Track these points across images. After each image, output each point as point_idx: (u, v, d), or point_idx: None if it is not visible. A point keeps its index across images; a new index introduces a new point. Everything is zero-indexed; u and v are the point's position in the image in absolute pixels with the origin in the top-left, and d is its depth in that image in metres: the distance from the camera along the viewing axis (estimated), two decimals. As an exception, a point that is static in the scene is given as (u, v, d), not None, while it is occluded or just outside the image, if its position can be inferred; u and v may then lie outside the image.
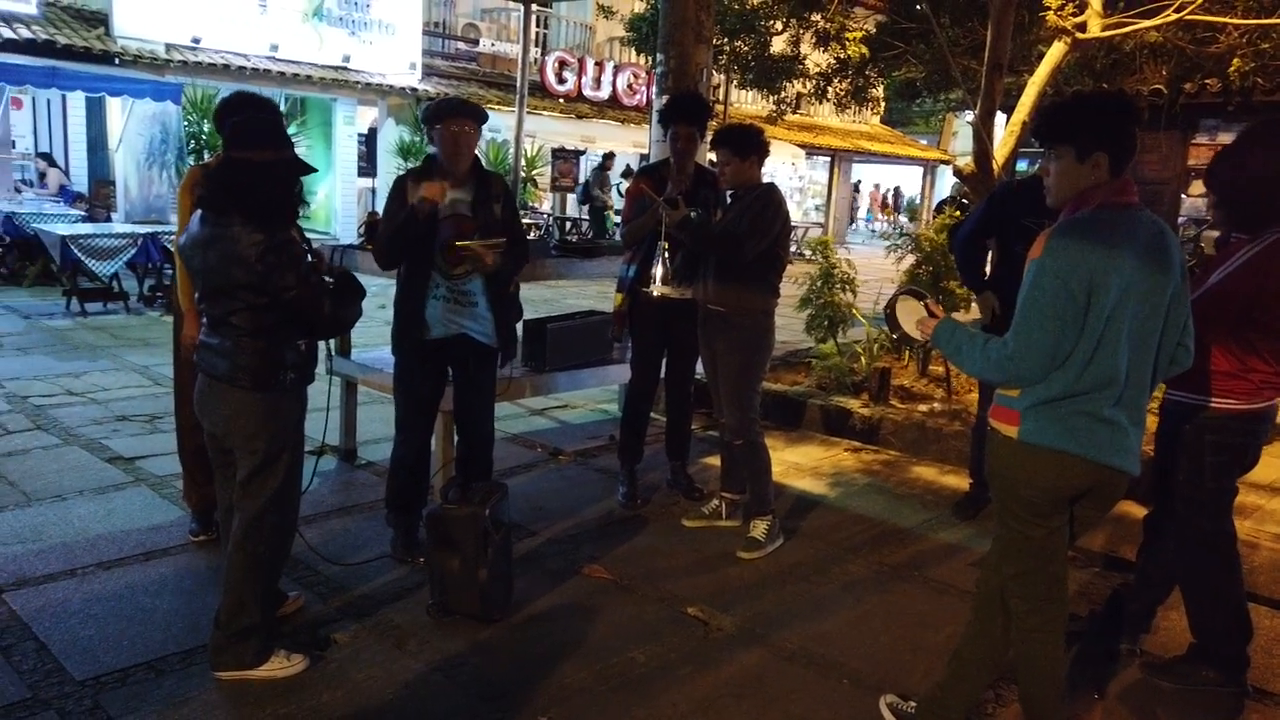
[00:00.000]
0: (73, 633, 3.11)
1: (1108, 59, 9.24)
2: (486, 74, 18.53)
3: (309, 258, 2.87)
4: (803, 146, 21.83)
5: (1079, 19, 6.47)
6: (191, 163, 11.42)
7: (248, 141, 2.78)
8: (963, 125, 26.17)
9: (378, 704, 2.82)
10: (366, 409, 5.35)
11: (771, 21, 10.22)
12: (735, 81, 12.46)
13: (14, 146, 13.48)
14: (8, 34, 11.66)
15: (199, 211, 2.82)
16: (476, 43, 18.97)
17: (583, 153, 18.52)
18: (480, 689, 2.94)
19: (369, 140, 17.37)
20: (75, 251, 8.83)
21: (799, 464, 5.38)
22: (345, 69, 15.46)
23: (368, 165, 17.27)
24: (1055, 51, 6.52)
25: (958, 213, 8.16)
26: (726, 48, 10.41)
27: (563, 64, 18.62)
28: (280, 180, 2.80)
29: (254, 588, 2.88)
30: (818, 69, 10.80)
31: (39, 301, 9.45)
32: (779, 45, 10.75)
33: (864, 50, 9.24)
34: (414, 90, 16.18)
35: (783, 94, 11.29)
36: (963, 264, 4.45)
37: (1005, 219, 4.08)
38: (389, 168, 16.23)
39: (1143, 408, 2.37)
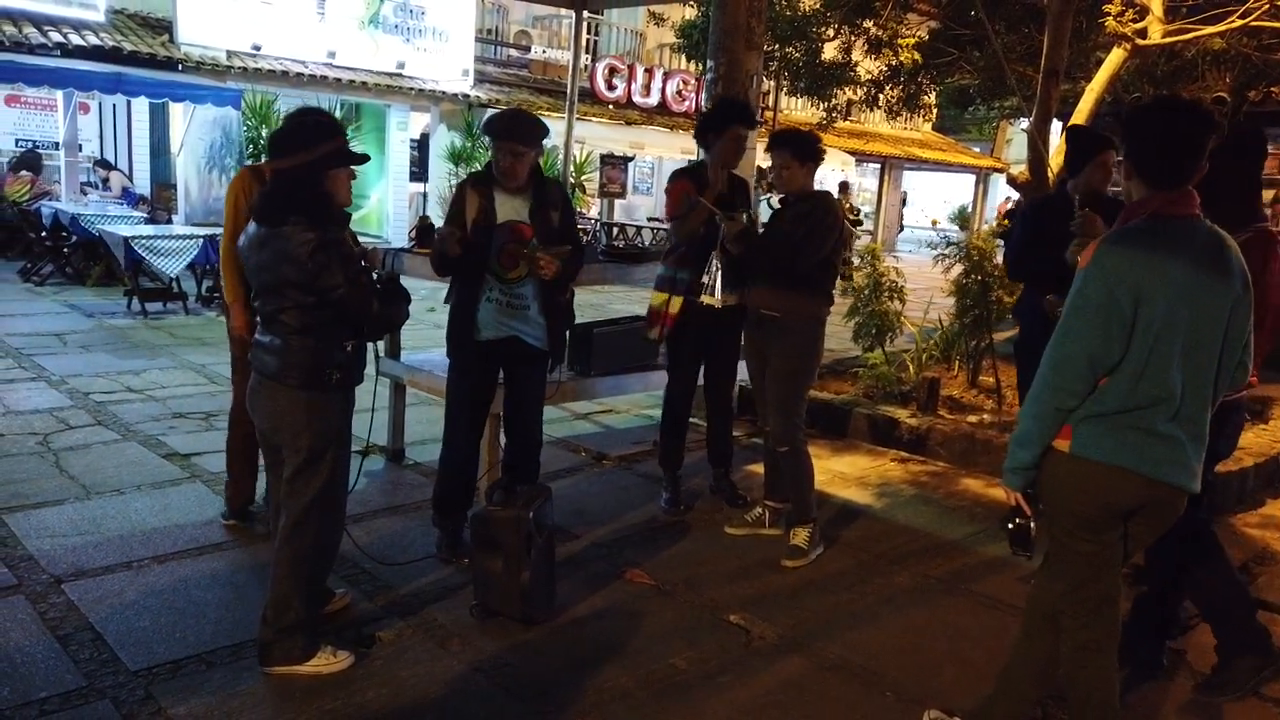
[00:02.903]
0: (128, 624, 3.19)
1: (1168, 66, 9.05)
2: (537, 80, 18.69)
3: (360, 260, 2.92)
4: (852, 153, 21.66)
5: (1139, 25, 6.35)
6: (249, 167, 11.67)
7: (275, 152, 2.89)
8: (1018, 133, 25.78)
9: (421, 702, 2.85)
10: (413, 410, 5.42)
11: (823, 28, 10.17)
12: (785, 88, 12.40)
13: (80, 150, 13.91)
14: (77, 41, 12.04)
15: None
16: (528, 49, 19.15)
17: (631, 159, 18.58)
18: (522, 691, 2.96)
19: (421, 145, 17.62)
20: (137, 252, 9.08)
21: (844, 473, 5.33)
22: (399, 75, 15.70)
23: (419, 170, 17.51)
24: (1114, 58, 6.40)
25: (1006, 221, 8.03)
26: (777, 54, 10.38)
27: (612, 70, 18.71)
28: (316, 181, 2.84)
29: (301, 584, 2.93)
30: (869, 75, 10.72)
31: (101, 300, 9.72)
32: (830, 52, 10.69)
33: (917, 57, 9.15)
34: (466, 96, 16.38)
35: (833, 101, 11.23)
36: (1028, 275, 4.29)
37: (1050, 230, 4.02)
38: (440, 172, 16.44)
39: (1203, 423, 2.31)
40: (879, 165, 24.31)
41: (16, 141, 13.05)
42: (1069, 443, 2.31)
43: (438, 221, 5.10)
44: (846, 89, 11.10)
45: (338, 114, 14.50)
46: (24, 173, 12.13)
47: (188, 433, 5.41)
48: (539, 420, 3.95)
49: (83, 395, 6.08)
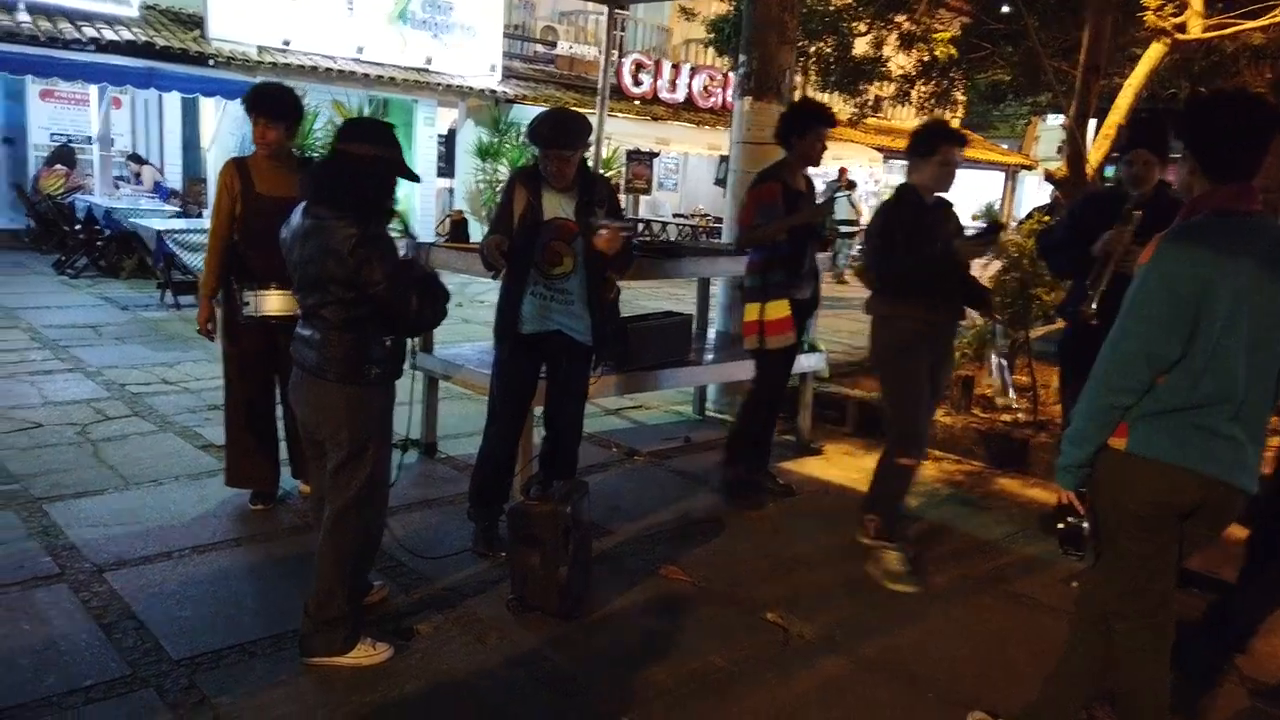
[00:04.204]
0: (170, 613, 3.21)
1: (1207, 60, 8.89)
2: (563, 76, 18.69)
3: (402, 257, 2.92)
4: (880, 150, 21.51)
5: (1179, 19, 6.24)
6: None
7: (355, 135, 2.88)
8: (1046, 130, 25.50)
9: (460, 695, 2.85)
10: (446, 404, 5.43)
11: (856, 23, 10.10)
12: (813, 83, 12.32)
13: (113, 145, 14.05)
14: (110, 35, 12.15)
15: (302, 204, 2.89)
16: (554, 45, 19.15)
17: (656, 155, 18.55)
18: (561, 686, 2.95)
19: (448, 141, 17.67)
20: (170, 245, 9.17)
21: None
22: (427, 70, 15.75)
23: (446, 165, 17.57)
24: (1153, 52, 6.30)
25: (1045, 217, 7.93)
26: (810, 49, 10.31)
27: (639, 66, 18.68)
28: (380, 177, 2.85)
29: (342, 577, 2.93)
30: (900, 71, 10.63)
31: (135, 293, 9.82)
32: (861, 47, 10.61)
33: (952, 51, 9.06)
34: (493, 92, 16.40)
35: (863, 96, 11.15)
36: (1062, 264, 4.25)
37: (1095, 227, 3.96)
38: (467, 168, 16.48)
39: (1263, 424, 2.26)
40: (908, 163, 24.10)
41: (51, 136, 13.19)
42: (1125, 440, 2.27)
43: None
44: (877, 84, 11.01)
45: (366, 110, 14.62)
46: (58, 167, 12.28)
47: (222, 425, 5.44)
48: (580, 415, 3.95)
49: (119, 386, 6.14)
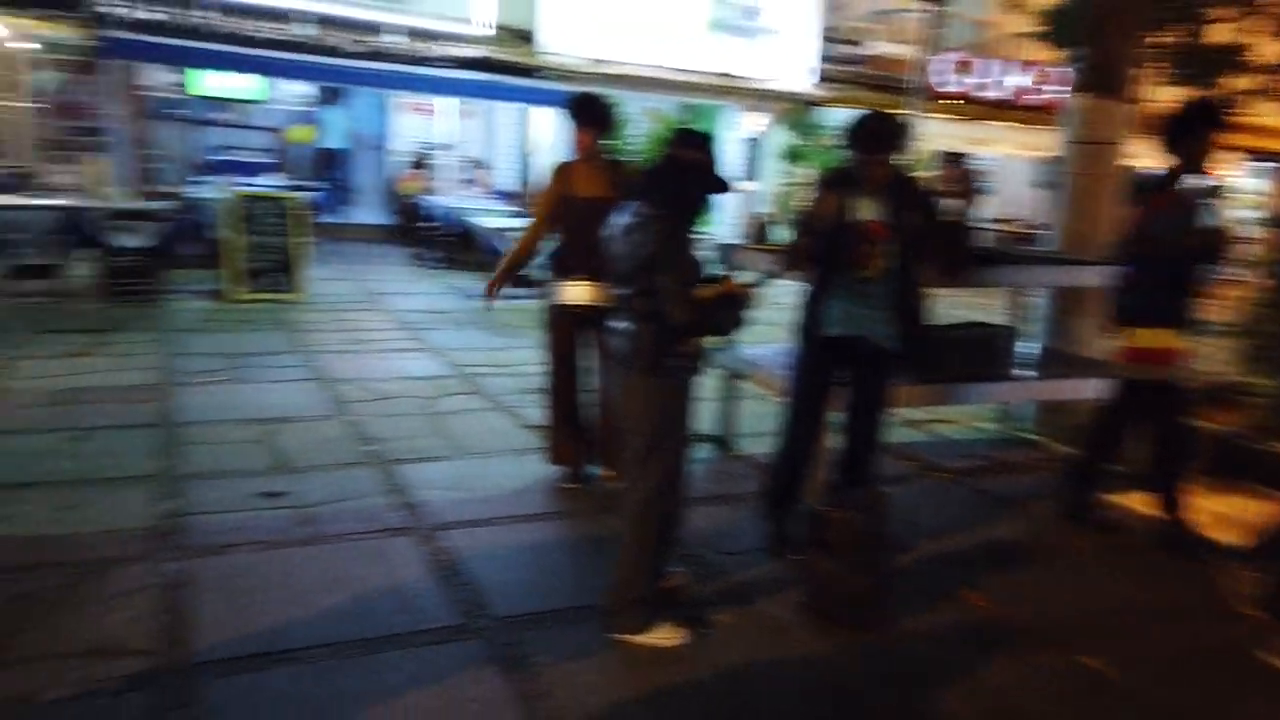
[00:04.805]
0: (495, 574, 3.56)
1: None
2: (874, 77, 18.25)
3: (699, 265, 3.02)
4: (1238, 150, 18.86)
5: None
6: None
7: (685, 141, 3.07)
8: None
9: (751, 690, 2.91)
10: (743, 403, 5.52)
11: (1210, 8, 8.98)
12: (1158, 78, 11.08)
13: (459, 151, 15.73)
14: (464, 53, 13.62)
15: (628, 202, 3.10)
16: (860, 45, 18.75)
17: (970, 156, 17.59)
18: (848, 698, 2.92)
19: (752, 145, 17.91)
20: (501, 243, 10.13)
21: (1226, 515, 4.67)
22: (737, 76, 16.06)
23: (750, 169, 17.82)
24: None
25: None
26: (1156, 40, 9.30)
27: (955, 64, 17.80)
28: (701, 181, 3.00)
29: (643, 561, 3.09)
30: (1267, 60, 9.32)
31: (474, 284, 10.90)
32: (1220, 34, 9.41)
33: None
34: (802, 95, 16.39)
35: (1218, 89, 9.86)
36: None
37: None
38: (772, 171, 16.61)
39: None
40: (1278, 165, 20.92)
41: (414, 143, 15.04)
42: None
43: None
44: (1239, 76, 9.70)
45: (676, 117, 15.19)
46: (415, 170, 13.97)
47: (541, 407, 5.93)
48: (880, 424, 3.86)
49: (459, 367, 6.89)
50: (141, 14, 11.37)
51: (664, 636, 3.09)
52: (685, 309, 2.91)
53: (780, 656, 3.11)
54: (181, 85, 14.70)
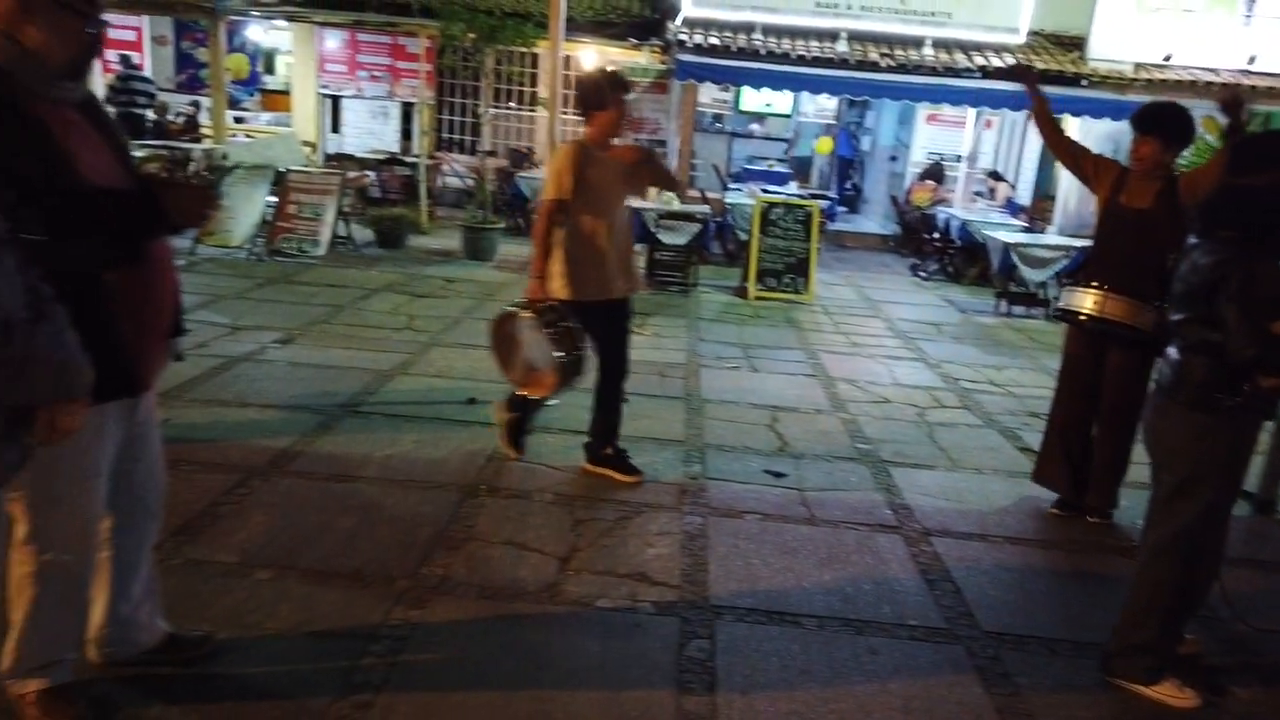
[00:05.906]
0: (981, 588, 3.57)
1: None
2: None
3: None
4: None
5: None
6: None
7: (1241, 166, 2.77)
8: None
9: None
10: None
11: None
12: None
13: (976, 163, 15.34)
14: (995, 62, 13.24)
15: None
16: None
17: None
18: None
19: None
20: (1012, 258, 9.74)
21: None
22: (1333, 76, 13.38)
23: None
24: None
25: None
26: None
27: None
28: (1268, 204, 2.67)
29: (1157, 607, 2.88)
30: None
31: (972, 299, 10.67)
32: None
33: None
34: None
35: None
36: None
37: None
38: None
39: None
40: None
41: (927, 154, 15.02)
42: None
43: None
44: None
45: (1252, 123, 13.14)
46: (928, 181, 13.94)
47: (1039, 432, 5.66)
48: None
49: (952, 380, 6.85)
50: (714, 39, 12.91)
51: (1172, 694, 2.86)
52: (1252, 344, 2.64)
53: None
54: (729, 102, 16.47)
